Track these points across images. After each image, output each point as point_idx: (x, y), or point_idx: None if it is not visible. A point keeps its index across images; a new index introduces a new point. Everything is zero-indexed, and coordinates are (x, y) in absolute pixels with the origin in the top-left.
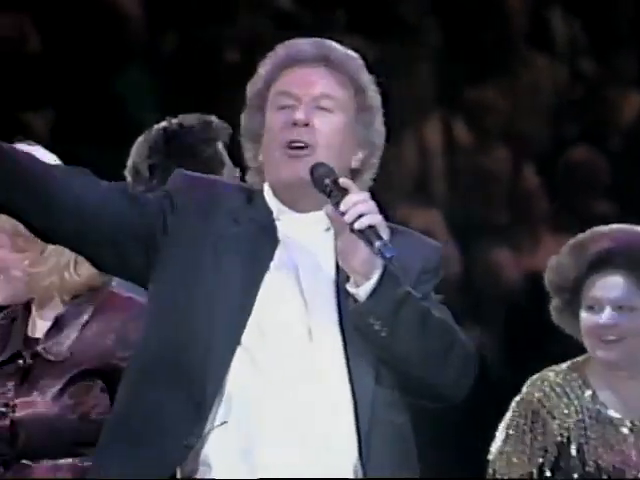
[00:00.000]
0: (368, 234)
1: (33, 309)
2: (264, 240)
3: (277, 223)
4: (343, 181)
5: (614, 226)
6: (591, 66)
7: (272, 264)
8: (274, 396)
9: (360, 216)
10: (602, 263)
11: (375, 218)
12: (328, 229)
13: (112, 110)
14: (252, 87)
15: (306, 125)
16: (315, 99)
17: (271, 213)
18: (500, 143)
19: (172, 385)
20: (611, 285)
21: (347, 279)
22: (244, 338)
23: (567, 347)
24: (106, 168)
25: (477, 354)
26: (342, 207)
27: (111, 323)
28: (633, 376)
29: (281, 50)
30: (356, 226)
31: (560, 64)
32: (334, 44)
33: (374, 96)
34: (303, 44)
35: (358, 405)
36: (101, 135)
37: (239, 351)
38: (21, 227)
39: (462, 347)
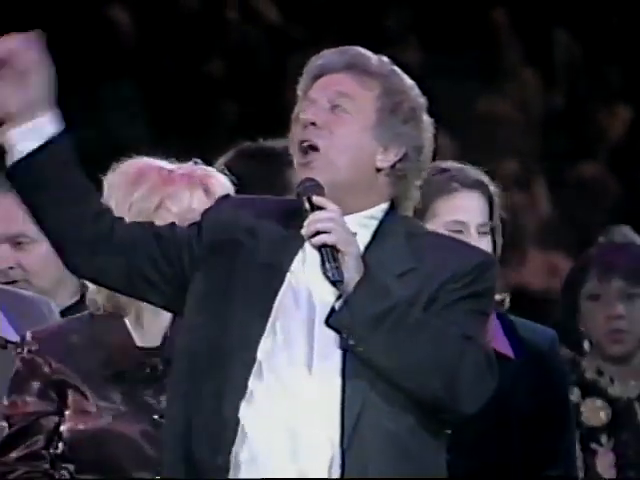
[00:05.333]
0: (322, 253)
1: (131, 320)
2: (285, 251)
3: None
4: (316, 199)
5: None
6: (579, 80)
7: (287, 277)
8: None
9: (317, 233)
10: None
11: (331, 238)
12: (354, 234)
13: (99, 125)
14: (296, 106)
15: (313, 124)
16: (330, 99)
17: (304, 221)
18: (487, 157)
19: (199, 403)
20: None
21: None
22: (254, 369)
23: None
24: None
25: (490, 367)
26: (305, 223)
27: None
28: None
29: (312, 64)
30: (312, 243)
31: (549, 79)
32: (362, 51)
33: (411, 98)
34: (331, 54)
35: (345, 412)
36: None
37: (251, 379)
38: None
39: (462, 359)
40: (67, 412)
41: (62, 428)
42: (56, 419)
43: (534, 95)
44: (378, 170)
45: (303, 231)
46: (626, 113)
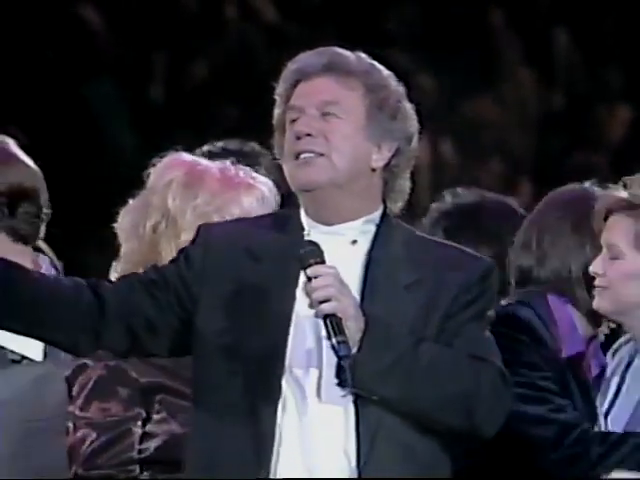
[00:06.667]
0: (327, 324)
1: None
2: (289, 267)
3: (306, 240)
4: (311, 271)
5: None
6: (579, 80)
7: (297, 291)
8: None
9: (321, 302)
10: None
11: (331, 305)
12: (354, 242)
13: (83, 124)
14: (275, 111)
15: (309, 135)
16: (318, 107)
17: (302, 231)
18: (486, 159)
19: (231, 423)
20: None
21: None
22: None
23: None
24: (80, 179)
25: (505, 383)
26: (306, 293)
27: None
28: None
29: (289, 69)
30: (317, 314)
31: (547, 79)
32: (338, 50)
33: (393, 90)
34: (307, 57)
35: (360, 429)
36: (73, 150)
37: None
38: None
39: (478, 385)
40: (159, 415)
41: (154, 430)
42: (141, 424)
43: (533, 95)
44: (373, 170)
45: (308, 304)
46: (626, 113)
